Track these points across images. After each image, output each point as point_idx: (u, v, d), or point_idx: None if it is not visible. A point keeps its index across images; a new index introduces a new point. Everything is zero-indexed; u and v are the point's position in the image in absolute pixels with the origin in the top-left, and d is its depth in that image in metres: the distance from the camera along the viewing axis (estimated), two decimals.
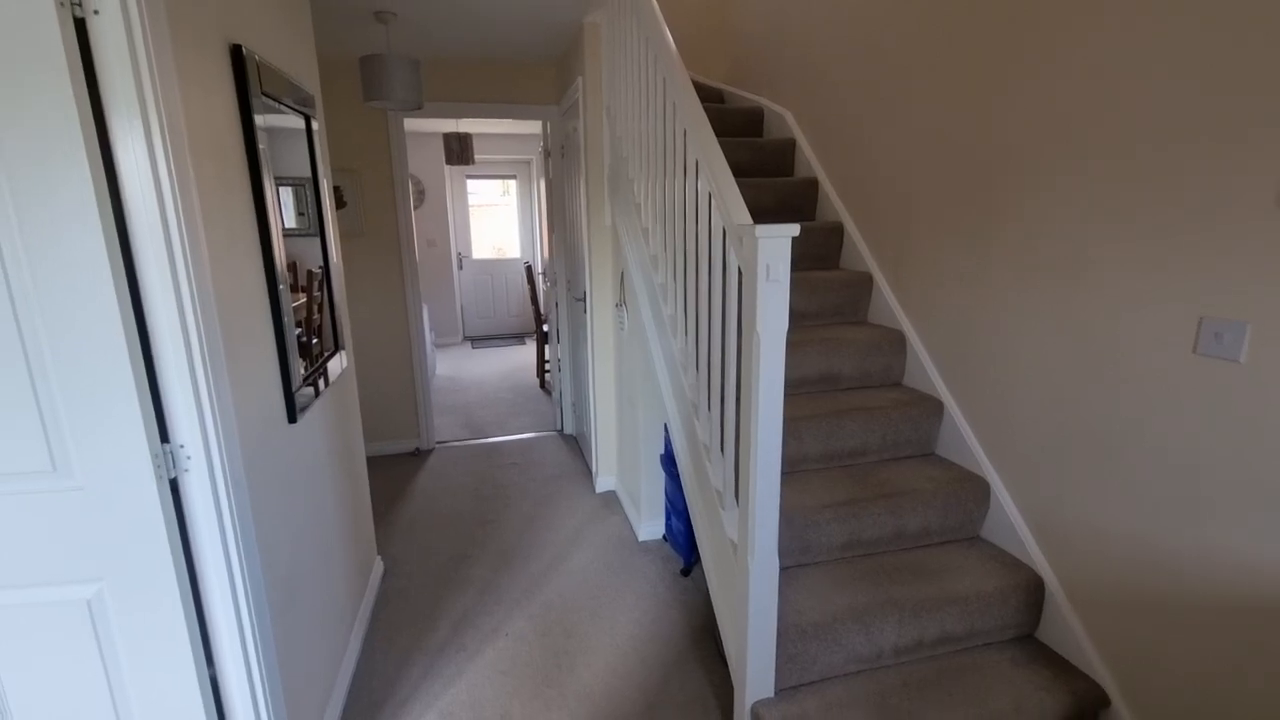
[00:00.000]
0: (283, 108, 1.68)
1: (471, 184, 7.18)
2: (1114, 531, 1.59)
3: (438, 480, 3.47)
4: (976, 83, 1.93)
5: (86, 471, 1.09)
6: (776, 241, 1.34)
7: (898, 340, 2.31)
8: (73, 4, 0.96)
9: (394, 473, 3.58)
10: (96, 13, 0.98)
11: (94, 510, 1.11)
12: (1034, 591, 1.79)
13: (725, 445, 1.71)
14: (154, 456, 1.11)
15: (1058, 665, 1.71)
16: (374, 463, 3.72)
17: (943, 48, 2.06)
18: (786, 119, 3.10)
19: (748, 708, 1.62)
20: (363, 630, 2.17)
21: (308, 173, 1.88)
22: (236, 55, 1.39)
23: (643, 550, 2.72)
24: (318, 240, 1.94)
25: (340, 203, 3.50)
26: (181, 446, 1.16)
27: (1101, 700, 1.62)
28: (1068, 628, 1.73)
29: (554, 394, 4.37)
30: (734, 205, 1.50)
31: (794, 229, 1.34)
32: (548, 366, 5.20)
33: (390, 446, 3.87)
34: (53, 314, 1.02)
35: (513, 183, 7.27)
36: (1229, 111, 1.28)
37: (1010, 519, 1.90)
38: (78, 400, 1.06)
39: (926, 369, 2.21)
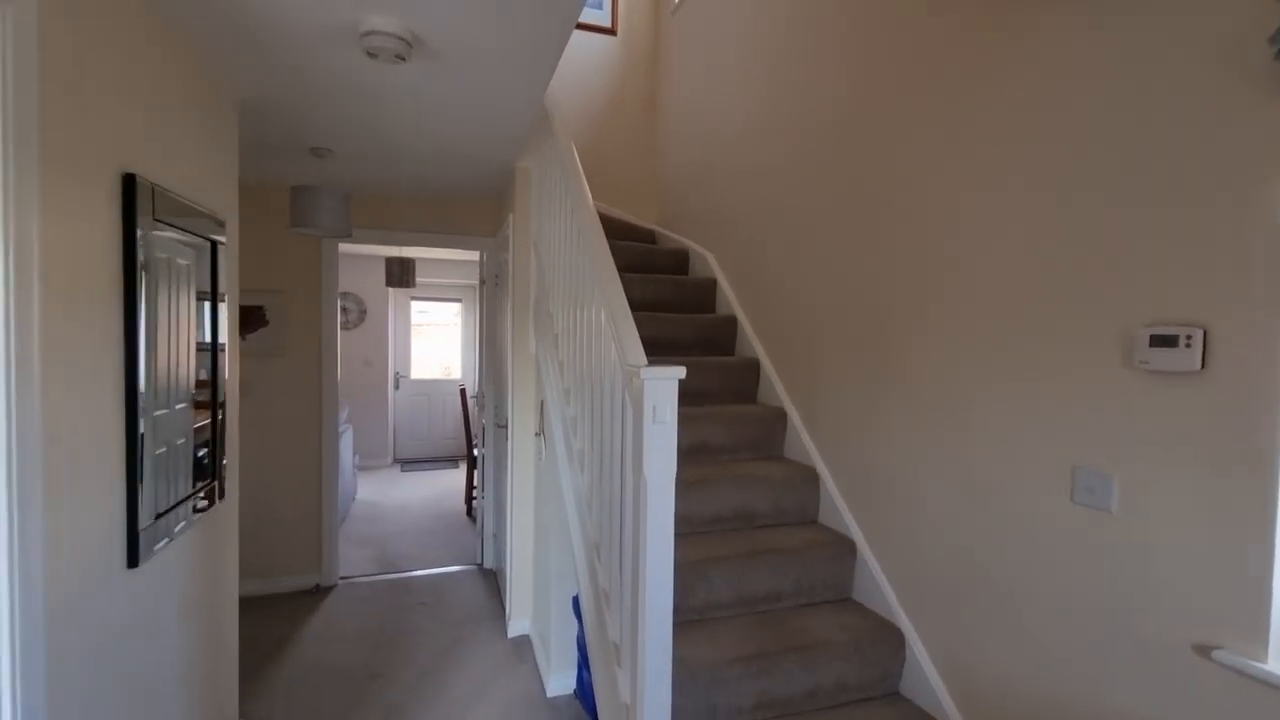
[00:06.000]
0: (186, 232, 1.66)
1: (424, 304, 7.24)
2: (1025, 691, 1.51)
3: (332, 623, 3.13)
4: (865, 238, 2.10)
5: None
6: (662, 383, 1.34)
7: (811, 477, 2.31)
8: None
9: (284, 614, 3.22)
10: None
11: None
12: None
13: (623, 594, 1.60)
14: None
15: None
16: (263, 602, 3.35)
17: (837, 207, 2.25)
18: (709, 260, 3.29)
19: None
20: None
21: (208, 294, 1.83)
22: (129, 184, 1.39)
23: (550, 709, 2.45)
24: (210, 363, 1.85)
25: (261, 322, 3.42)
26: None
27: None
28: None
29: (477, 524, 4.14)
30: (628, 344, 1.52)
31: (679, 371, 1.35)
32: (476, 493, 4.97)
33: (286, 583, 3.51)
34: None
35: (458, 305, 7.37)
36: (1084, 269, 1.41)
37: (926, 674, 1.80)
38: None
39: (839, 508, 2.19)
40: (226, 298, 1.98)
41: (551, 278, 2.59)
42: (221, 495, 1.97)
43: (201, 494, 1.80)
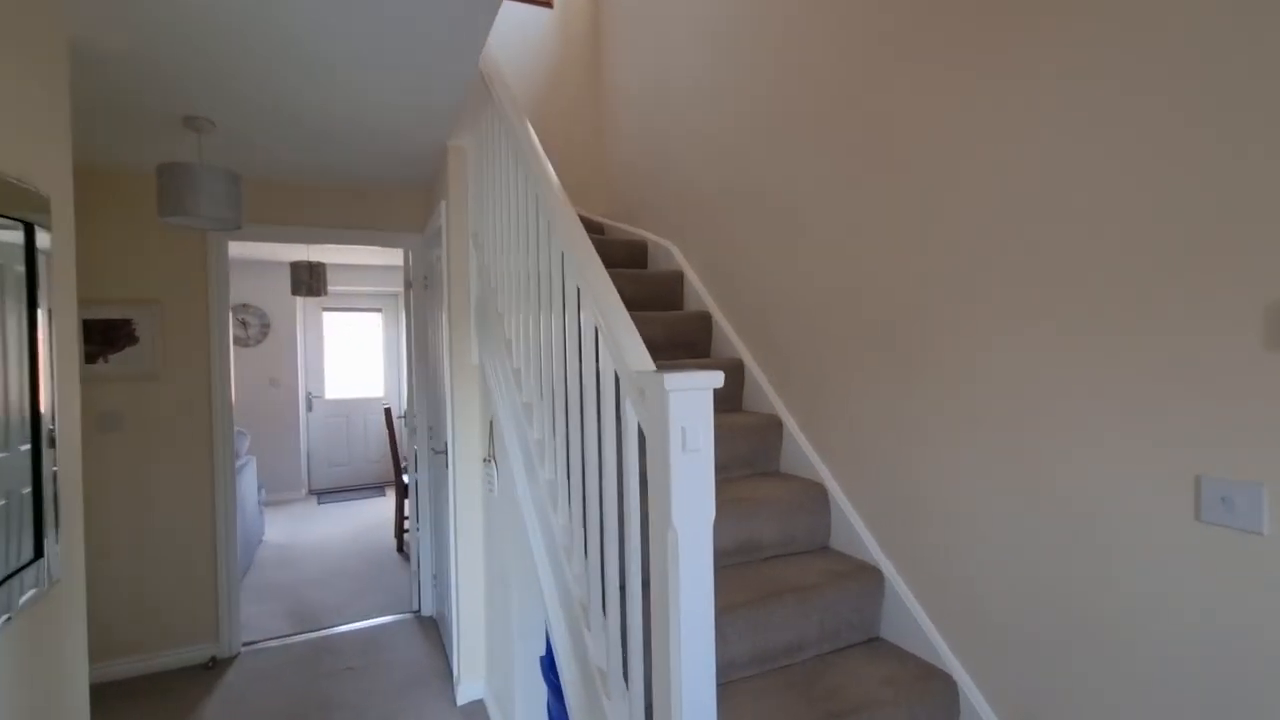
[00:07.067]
0: None
1: (336, 316, 6.50)
2: None
3: (231, 708, 2.53)
4: (876, 209, 1.79)
5: None
6: (694, 396, 0.96)
7: (819, 494, 1.98)
8: None
9: (167, 702, 2.59)
10: None
11: None
12: None
13: (630, 677, 1.20)
14: None
15: None
16: (142, 687, 2.70)
17: (833, 179, 1.95)
18: (673, 251, 2.93)
19: None
20: None
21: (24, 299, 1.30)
22: None
23: None
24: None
25: (129, 339, 2.78)
26: None
27: None
28: None
29: (412, 563, 3.60)
30: (629, 346, 1.13)
31: (715, 378, 0.98)
32: (409, 525, 4.39)
33: (173, 658, 2.86)
34: None
35: (378, 316, 6.69)
36: (1208, 223, 1.13)
37: None
38: None
39: (857, 530, 1.87)
40: (53, 305, 1.44)
41: (500, 274, 2.16)
42: (52, 576, 1.42)
43: (17, 580, 1.26)
